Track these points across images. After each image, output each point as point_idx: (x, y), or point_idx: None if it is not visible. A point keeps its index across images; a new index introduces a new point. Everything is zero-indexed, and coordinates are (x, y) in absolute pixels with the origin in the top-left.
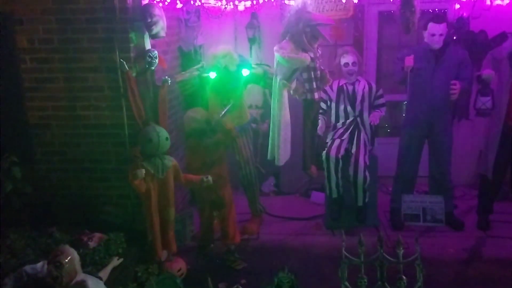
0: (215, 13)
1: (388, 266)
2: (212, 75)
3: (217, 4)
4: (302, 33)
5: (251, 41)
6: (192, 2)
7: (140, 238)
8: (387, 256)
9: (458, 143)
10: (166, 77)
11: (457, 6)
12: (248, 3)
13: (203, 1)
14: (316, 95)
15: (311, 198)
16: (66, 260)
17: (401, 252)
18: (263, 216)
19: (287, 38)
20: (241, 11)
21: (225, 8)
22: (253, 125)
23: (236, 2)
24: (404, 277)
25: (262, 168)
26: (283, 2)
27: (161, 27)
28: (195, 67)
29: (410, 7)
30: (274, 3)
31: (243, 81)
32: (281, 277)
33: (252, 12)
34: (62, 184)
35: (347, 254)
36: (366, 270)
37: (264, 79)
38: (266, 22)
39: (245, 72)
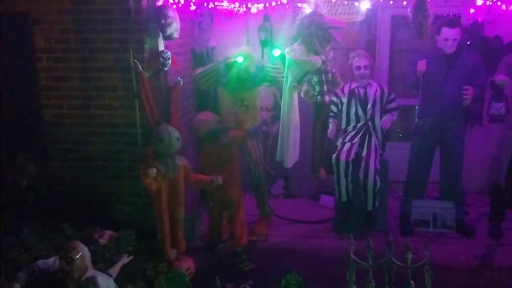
0: (228, 15)
1: (397, 271)
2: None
3: (230, 7)
4: (314, 36)
5: (263, 43)
6: (205, 4)
7: (150, 236)
8: (395, 261)
9: (470, 149)
10: (179, 78)
11: (472, 10)
12: (261, 6)
13: (216, 4)
14: (327, 98)
15: (320, 201)
16: (77, 256)
17: (409, 257)
18: (271, 218)
19: (299, 40)
20: (253, 14)
21: (238, 10)
22: (264, 127)
23: (249, 5)
24: (412, 282)
25: (271, 170)
26: (295, 5)
27: (174, 28)
28: (213, 63)
29: (423, 11)
30: (287, 6)
31: (257, 81)
32: (289, 279)
33: (265, 15)
34: (75, 181)
35: (355, 258)
36: (375, 274)
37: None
38: (279, 25)
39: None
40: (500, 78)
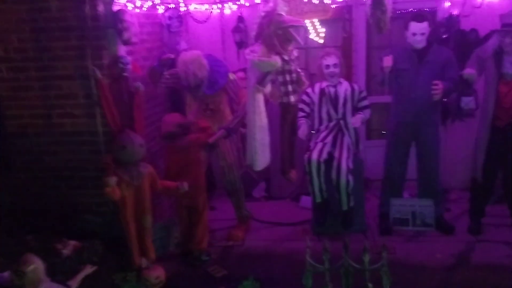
0: (201, 18)
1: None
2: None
3: (201, 9)
4: (273, 35)
5: (239, 44)
6: (171, 6)
7: (119, 246)
8: (352, 263)
9: (452, 145)
10: (139, 82)
11: (447, 4)
12: (234, 7)
13: (187, 6)
14: (292, 98)
15: (300, 202)
16: (28, 269)
17: (366, 259)
18: (250, 222)
19: (259, 41)
20: (227, 15)
21: (211, 12)
22: (243, 130)
23: (219, 6)
24: (370, 285)
25: (253, 173)
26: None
27: (132, 32)
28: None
29: (381, 6)
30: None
31: (217, 87)
32: (245, 285)
33: (239, 16)
34: (41, 192)
35: (312, 261)
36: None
37: None
38: (253, 26)
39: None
40: (468, 71)
